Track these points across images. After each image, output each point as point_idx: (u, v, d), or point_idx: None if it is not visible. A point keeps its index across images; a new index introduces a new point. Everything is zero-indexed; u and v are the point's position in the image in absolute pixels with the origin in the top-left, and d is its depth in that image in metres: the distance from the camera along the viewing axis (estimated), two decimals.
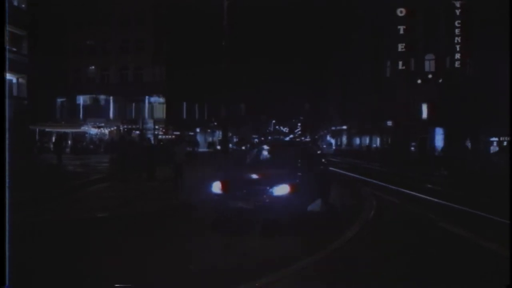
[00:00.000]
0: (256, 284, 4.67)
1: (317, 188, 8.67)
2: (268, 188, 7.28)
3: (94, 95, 42.54)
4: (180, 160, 12.77)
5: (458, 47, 37.97)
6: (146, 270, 5.05)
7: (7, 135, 3.01)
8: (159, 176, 14.76)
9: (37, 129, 33.81)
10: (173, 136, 40.38)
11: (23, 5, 30.32)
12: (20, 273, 3.33)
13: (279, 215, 7.10)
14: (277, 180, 7.40)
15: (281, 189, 7.25)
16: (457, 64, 38.14)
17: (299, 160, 8.63)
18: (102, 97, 42.51)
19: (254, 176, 8.08)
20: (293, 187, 7.29)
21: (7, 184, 3.01)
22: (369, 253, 6.13)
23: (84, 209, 9.69)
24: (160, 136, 38.38)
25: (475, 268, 5.47)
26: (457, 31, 37.76)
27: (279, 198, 7.20)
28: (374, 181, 16.71)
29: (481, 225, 8.26)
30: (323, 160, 11.27)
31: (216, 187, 7.69)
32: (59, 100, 42.96)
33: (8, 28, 3.32)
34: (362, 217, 8.66)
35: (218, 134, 50.21)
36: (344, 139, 60.64)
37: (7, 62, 3.17)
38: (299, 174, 7.98)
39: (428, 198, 11.85)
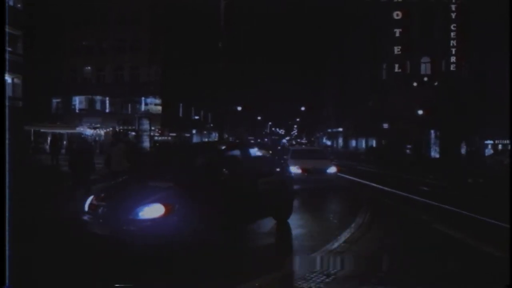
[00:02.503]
0: (256, 284, 4.69)
1: (224, 207, 6.08)
2: (130, 208, 5.30)
3: (90, 96, 42.36)
4: (116, 167, 9.77)
5: (453, 50, 38.25)
6: None
7: (7, 136, 3.00)
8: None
9: (32, 130, 33.62)
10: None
11: (19, 5, 30.22)
12: (20, 273, 3.31)
13: (142, 247, 5.14)
14: (146, 197, 5.47)
15: (149, 211, 5.24)
16: (452, 67, 38.42)
17: (195, 168, 6.60)
18: (98, 97, 42.35)
19: (123, 190, 6.24)
20: (168, 208, 5.26)
21: (7, 185, 3.00)
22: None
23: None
24: (156, 138, 38.28)
25: (474, 269, 5.50)
26: (452, 34, 38.06)
27: (143, 223, 5.20)
28: (369, 183, 16.79)
29: (476, 227, 8.31)
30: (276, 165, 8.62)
31: (87, 204, 5.84)
32: (54, 100, 42.75)
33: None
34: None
35: (215, 136, 50.22)
36: (340, 141, 60.80)
37: (6, 63, 3.17)
38: (184, 189, 5.75)
39: (422, 200, 11.91)
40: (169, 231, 5.16)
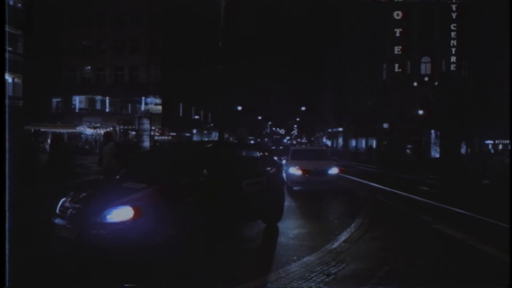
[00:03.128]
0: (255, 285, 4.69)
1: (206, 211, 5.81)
2: (98, 210, 4.99)
3: (90, 95, 42.37)
4: (107, 168, 9.37)
5: (453, 50, 38.25)
6: None
7: (7, 135, 3.00)
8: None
9: (32, 129, 33.63)
10: (169, 137, 40.29)
11: (19, 4, 30.22)
12: (20, 273, 3.31)
13: (109, 252, 4.86)
14: (115, 199, 5.15)
15: (117, 214, 4.93)
16: (452, 67, 38.41)
17: (172, 169, 6.12)
18: (97, 97, 42.36)
19: (95, 191, 5.89)
20: (138, 211, 4.94)
21: (7, 185, 3.00)
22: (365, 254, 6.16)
23: None
24: (156, 137, 38.28)
25: (474, 269, 5.50)
26: (453, 34, 38.06)
27: (111, 226, 4.88)
28: (369, 183, 16.78)
29: (476, 227, 8.30)
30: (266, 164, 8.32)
31: (59, 206, 5.52)
32: (54, 100, 42.75)
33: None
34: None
35: (215, 135, 50.24)
36: (340, 140, 60.80)
37: (7, 63, 3.17)
38: (158, 190, 5.39)
39: (423, 200, 11.92)
40: (139, 235, 4.86)
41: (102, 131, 38.98)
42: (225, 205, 6.20)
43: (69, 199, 5.48)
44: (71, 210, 5.25)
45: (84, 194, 5.66)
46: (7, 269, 2.99)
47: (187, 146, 9.97)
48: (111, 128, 38.69)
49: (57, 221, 5.22)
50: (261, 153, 8.49)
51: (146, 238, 4.92)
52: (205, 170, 6.05)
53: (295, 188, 12.94)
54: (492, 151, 34.15)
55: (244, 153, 8.09)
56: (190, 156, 6.68)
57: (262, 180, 7.36)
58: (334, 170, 13.12)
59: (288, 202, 11.11)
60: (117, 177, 6.41)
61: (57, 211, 5.39)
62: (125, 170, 6.67)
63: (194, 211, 5.58)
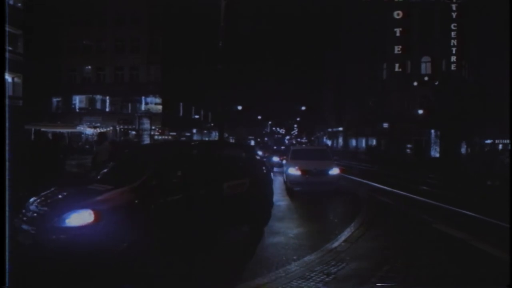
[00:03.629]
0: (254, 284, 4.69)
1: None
2: (58, 214, 4.69)
3: (90, 95, 42.38)
4: (102, 168, 9.06)
5: (454, 49, 38.25)
6: None
7: (7, 135, 3.00)
8: None
9: (33, 129, 33.64)
10: (170, 136, 40.29)
11: (19, 4, 30.23)
12: (20, 273, 3.32)
13: (67, 258, 4.51)
14: (76, 202, 4.88)
15: (77, 218, 4.65)
16: (453, 66, 38.41)
17: (145, 170, 5.55)
18: (98, 97, 42.37)
19: (61, 193, 5.49)
20: (99, 215, 4.64)
21: (7, 185, 3.00)
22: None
23: None
24: (156, 137, 38.30)
25: (474, 269, 5.50)
26: (453, 34, 38.06)
27: (70, 231, 4.57)
28: (370, 182, 16.78)
29: (476, 227, 8.30)
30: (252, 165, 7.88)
31: (24, 208, 5.20)
32: (54, 99, 42.77)
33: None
34: None
35: (215, 135, 50.23)
36: (341, 140, 60.81)
37: (7, 63, 3.17)
38: (123, 193, 5.06)
39: (423, 199, 11.92)
40: (99, 240, 4.55)
41: (102, 131, 39.01)
42: (203, 209, 5.84)
43: (35, 201, 5.19)
44: (31, 213, 4.93)
45: (51, 197, 5.33)
46: (7, 269, 2.99)
47: (164, 146, 9.17)
48: (111, 128, 38.72)
49: (19, 224, 4.85)
50: (246, 153, 8.09)
51: (107, 244, 4.62)
52: (179, 172, 5.71)
53: (295, 188, 12.67)
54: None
55: (227, 153, 7.53)
56: (165, 157, 6.17)
57: (245, 181, 6.97)
58: (335, 171, 12.62)
59: (287, 202, 11.15)
60: (98, 177, 6.11)
61: (22, 214, 5.01)
62: (104, 171, 6.39)
63: (165, 215, 5.26)
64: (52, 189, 5.63)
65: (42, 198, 5.30)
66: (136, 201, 5.03)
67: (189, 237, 5.81)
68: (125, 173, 5.91)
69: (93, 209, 4.66)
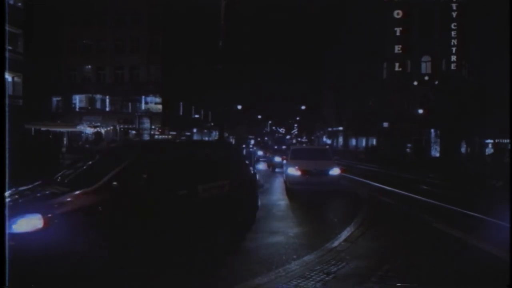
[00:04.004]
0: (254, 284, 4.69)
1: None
2: (8, 218, 4.12)
3: (90, 94, 42.38)
4: None
5: (454, 49, 38.23)
6: None
7: (7, 134, 3.00)
8: None
9: (32, 128, 33.64)
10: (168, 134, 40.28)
11: (19, 3, 30.20)
12: (20, 273, 3.31)
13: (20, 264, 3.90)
14: (26, 207, 4.65)
15: (23, 223, 4.36)
16: (453, 66, 38.39)
17: (107, 171, 5.20)
18: (98, 96, 42.38)
19: (23, 196, 5.18)
20: (48, 220, 4.36)
21: (7, 185, 3.00)
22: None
23: None
24: (156, 136, 38.30)
25: (474, 269, 5.50)
26: (453, 33, 38.03)
27: (18, 237, 4.19)
28: (370, 182, 16.78)
29: (477, 227, 8.30)
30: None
31: None
32: (54, 99, 42.77)
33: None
34: None
35: (215, 134, 50.24)
36: (341, 140, 60.78)
37: (7, 62, 3.17)
38: (79, 196, 4.77)
39: (423, 199, 11.91)
40: (50, 247, 4.27)
41: (102, 130, 39.04)
42: (173, 213, 5.50)
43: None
44: None
45: (15, 199, 4.95)
46: (7, 269, 2.99)
47: (133, 147, 8.04)
48: (111, 127, 38.72)
49: None
50: (228, 154, 7.66)
51: (60, 250, 4.35)
52: (144, 174, 5.37)
53: (295, 188, 12.48)
54: (492, 150, 34.12)
55: (205, 154, 7.09)
56: (131, 158, 5.62)
57: (224, 183, 6.61)
58: (335, 171, 12.34)
59: (287, 201, 11.15)
60: (58, 179, 5.73)
61: None
62: (66, 172, 6.03)
63: (127, 219, 4.94)
64: (18, 189, 5.30)
65: (12, 200, 4.94)
66: (94, 205, 4.72)
67: (159, 241, 5.46)
68: (86, 175, 5.61)
69: (43, 214, 4.36)
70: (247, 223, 7.38)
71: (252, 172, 8.13)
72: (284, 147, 32.42)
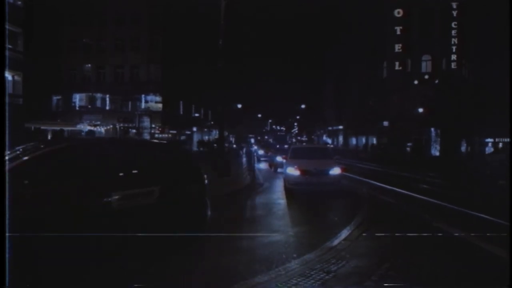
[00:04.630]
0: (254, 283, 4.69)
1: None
2: None
3: (90, 93, 42.39)
4: None
5: (454, 48, 38.20)
6: None
7: (7, 133, 2.99)
8: None
9: (33, 127, 33.61)
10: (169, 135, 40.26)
11: (19, 2, 30.16)
12: (20, 273, 3.31)
13: None
14: None
15: None
16: (453, 65, 38.37)
17: None
18: (98, 95, 42.39)
19: None
20: None
21: (7, 185, 2.99)
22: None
23: None
24: (156, 135, 38.31)
25: (474, 268, 5.50)
26: (453, 32, 38.01)
27: None
28: (370, 180, 16.77)
29: (477, 226, 8.29)
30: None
31: None
32: (55, 97, 42.78)
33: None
34: None
35: (215, 133, 50.22)
36: (341, 139, 60.78)
37: (7, 61, 3.16)
38: None
39: (424, 198, 11.91)
40: None
41: (102, 129, 39.04)
42: (67, 227, 4.55)
43: None
44: None
45: None
46: (7, 269, 2.99)
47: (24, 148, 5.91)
48: (111, 126, 38.72)
49: None
50: (167, 155, 6.45)
51: None
52: (26, 180, 4.50)
53: (296, 187, 12.16)
54: (492, 149, 34.11)
55: (130, 154, 5.84)
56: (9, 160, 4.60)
57: (152, 190, 5.42)
58: (336, 170, 11.98)
59: (287, 200, 11.15)
60: None
61: None
62: None
63: None
64: None
65: None
66: None
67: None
68: None
69: None
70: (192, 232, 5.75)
71: (202, 176, 6.50)
72: (286, 146, 31.77)
